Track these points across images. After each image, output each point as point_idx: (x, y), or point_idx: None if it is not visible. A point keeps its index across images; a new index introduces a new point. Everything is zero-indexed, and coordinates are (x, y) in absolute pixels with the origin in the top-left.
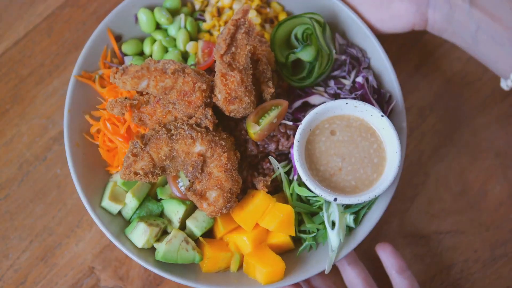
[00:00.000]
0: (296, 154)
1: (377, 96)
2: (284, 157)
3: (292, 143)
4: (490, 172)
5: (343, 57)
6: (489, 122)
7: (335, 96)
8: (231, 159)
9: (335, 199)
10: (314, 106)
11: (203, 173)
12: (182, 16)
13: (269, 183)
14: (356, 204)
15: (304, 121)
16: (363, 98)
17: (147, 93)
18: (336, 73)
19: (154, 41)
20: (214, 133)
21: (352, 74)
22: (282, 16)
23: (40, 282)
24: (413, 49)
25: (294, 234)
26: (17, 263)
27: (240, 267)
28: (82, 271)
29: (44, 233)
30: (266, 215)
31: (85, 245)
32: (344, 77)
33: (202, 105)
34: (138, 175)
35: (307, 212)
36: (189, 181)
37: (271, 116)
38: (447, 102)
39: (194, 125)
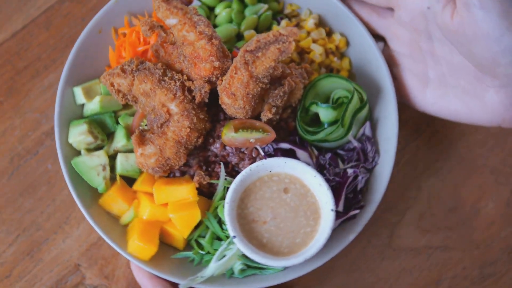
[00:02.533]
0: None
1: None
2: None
3: None
4: (483, 189)
5: (355, 144)
6: (485, 138)
7: (319, 167)
8: (190, 138)
9: (234, 237)
10: (297, 158)
11: (159, 128)
12: (265, 6)
13: (204, 183)
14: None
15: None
16: (336, 188)
17: (172, 34)
18: (340, 151)
19: (228, 6)
20: (196, 107)
21: (349, 164)
22: (342, 47)
23: (25, 277)
24: None
25: (185, 237)
26: (3, 256)
27: (127, 225)
28: (67, 268)
29: (32, 228)
30: (178, 204)
31: (72, 242)
32: (342, 160)
33: (206, 78)
34: (112, 88)
35: (214, 232)
36: (146, 126)
37: (252, 135)
38: None
39: (186, 88)
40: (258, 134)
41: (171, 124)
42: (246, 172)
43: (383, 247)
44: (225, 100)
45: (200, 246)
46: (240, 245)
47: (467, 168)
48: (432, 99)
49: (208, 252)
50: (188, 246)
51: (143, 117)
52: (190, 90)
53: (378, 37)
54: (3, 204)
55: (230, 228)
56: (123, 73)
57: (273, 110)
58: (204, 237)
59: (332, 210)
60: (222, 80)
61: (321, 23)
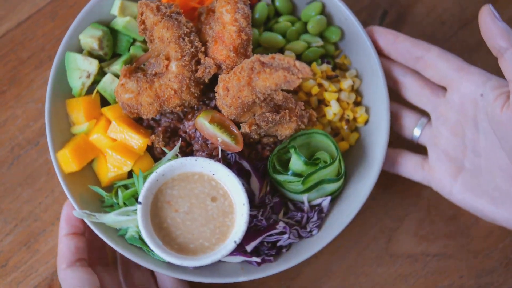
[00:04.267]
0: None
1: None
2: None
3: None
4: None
5: (304, 208)
6: None
7: (260, 203)
8: (169, 101)
9: (139, 203)
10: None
11: (152, 75)
12: (320, 42)
13: (157, 145)
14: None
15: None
16: (257, 230)
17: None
18: (290, 204)
19: (291, 22)
20: (193, 80)
21: (286, 220)
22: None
23: (21, 267)
24: None
25: (107, 178)
26: (0, 245)
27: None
28: None
29: (30, 218)
30: (121, 145)
31: None
32: (285, 212)
33: (217, 61)
34: (140, 17)
35: (136, 191)
36: (146, 66)
37: (221, 135)
38: None
39: (196, 58)
40: (227, 138)
41: (162, 78)
42: (192, 159)
43: (380, 253)
44: (219, 90)
45: (117, 195)
46: (139, 214)
47: None
48: (461, 189)
49: (118, 204)
50: (110, 188)
51: (149, 57)
52: (198, 62)
53: (422, 112)
54: (2, 194)
55: (142, 194)
56: (157, 10)
57: (253, 127)
58: (127, 189)
59: (235, 241)
60: (227, 72)
61: (358, 91)
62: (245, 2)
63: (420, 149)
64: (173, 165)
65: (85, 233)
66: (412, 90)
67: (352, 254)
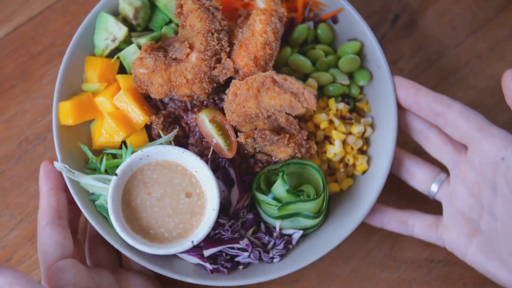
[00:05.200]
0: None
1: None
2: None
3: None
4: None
5: (274, 234)
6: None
7: (234, 214)
8: (179, 89)
9: (116, 174)
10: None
11: (171, 58)
12: (346, 81)
13: (154, 127)
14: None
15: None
16: (220, 240)
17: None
18: (263, 225)
19: (326, 52)
20: (208, 76)
21: (252, 239)
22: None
23: (25, 261)
24: (427, 72)
25: (96, 141)
26: (4, 240)
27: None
28: None
29: (35, 213)
30: (121, 115)
31: None
32: (254, 231)
33: (236, 65)
34: (179, 1)
35: (121, 161)
36: (169, 49)
37: (217, 137)
38: None
39: (217, 56)
40: (221, 142)
41: (180, 65)
42: (180, 150)
43: (384, 258)
44: (228, 93)
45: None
46: (112, 184)
47: None
48: (476, 251)
49: (100, 170)
50: (99, 153)
51: (174, 42)
52: (218, 61)
53: (442, 167)
54: (9, 188)
55: (122, 167)
56: (198, 0)
57: (249, 140)
58: (114, 159)
59: (192, 242)
60: (242, 79)
61: (367, 139)
62: (281, 18)
63: (420, 198)
64: (160, 150)
65: (64, 190)
66: (435, 145)
67: (356, 258)
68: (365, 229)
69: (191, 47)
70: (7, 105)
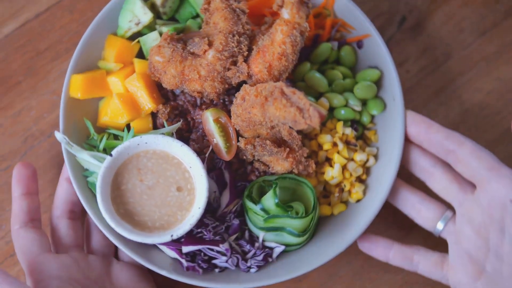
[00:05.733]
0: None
1: None
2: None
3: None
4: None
5: (257, 244)
6: (502, 158)
7: (221, 217)
8: (190, 83)
9: (111, 155)
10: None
11: (188, 52)
12: (359, 108)
13: (159, 115)
14: None
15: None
16: (200, 239)
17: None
18: (248, 232)
19: (345, 75)
20: (221, 76)
21: (233, 246)
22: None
23: None
24: (434, 73)
25: (100, 119)
26: (9, 235)
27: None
28: None
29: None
30: (130, 99)
31: None
32: (238, 238)
33: (249, 71)
34: None
35: (121, 142)
36: (189, 42)
37: (218, 138)
38: (462, 132)
39: (233, 59)
40: (221, 143)
41: (195, 60)
42: (179, 143)
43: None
44: (238, 96)
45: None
46: (105, 164)
47: None
48: None
49: (99, 148)
50: (103, 131)
51: (194, 35)
52: (234, 63)
53: (447, 205)
54: None
55: (118, 149)
56: (226, 0)
57: (249, 146)
58: (116, 140)
59: (172, 236)
60: (254, 85)
61: (368, 169)
62: (302, 32)
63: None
64: (159, 139)
65: (37, 193)
66: (440, 183)
67: (359, 259)
68: (368, 230)
69: (210, 44)
70: (13, 101)
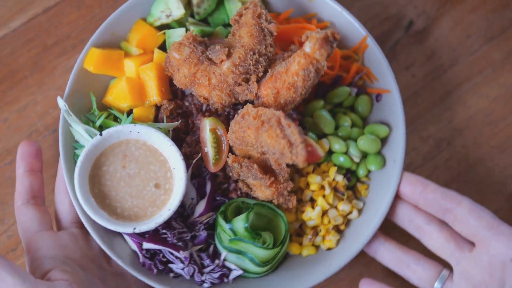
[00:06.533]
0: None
1: None
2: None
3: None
4: (497, 216)
5: (217, 261)
6: (506, 165)
7: (191, 226)
8: (198, 88)
9: (101, 134)
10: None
11: (205, 57)
12: (357, 158)
13: (163, 109)
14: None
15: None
16: (161, 239)
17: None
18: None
19: (354, 124)
20: (230, 89)
21: (194, 257)
22: None
23: None
24: (440, 78)
25: (105, 97)
26: (11, 229)
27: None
28: None
29: None
30: (137, 84)
31: None
32: (203, 249)
33: (257, 92)
34: (240, 8)
35: (119, 120)
36: (210, 48)
37: (209, 148)
38: (466, 138)
39: (246, 75)
40: (211, 154)
41: (210, 67)
42: (169, 142)
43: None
44: (239, 114)
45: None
46: (92, 142)
47: (483, 194)
48: None
49: (95, 124)
50: (105, 108)
51: (219, 44)
52: (246, 80)
53: (444, 263)
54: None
55: (110, 131)
56: (257, 17)
57: (236, 165)
58: (115, 121)
59: (134, 228)
60: (257, 107)
61: (349, 221)
62: (318, 70)
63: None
64: (152, 133)
65: (41, 171)
66: (436, 241)
67: (360, 264)
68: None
69: (229, 55)
70: (18, 96)
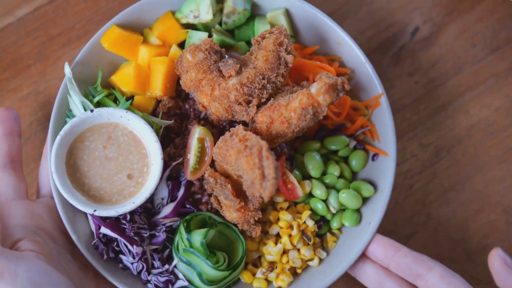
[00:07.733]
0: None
1: None
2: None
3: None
4: (493, 227)
5: (167, 267)
6: (504, 176)
7: (153, 225)
8: (200, 96)
9: (95, 211)
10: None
11: (214, 69)
12: (348, 194)
13: (161, 105)
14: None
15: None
16: (121, 230)
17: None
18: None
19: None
20: (230, 106)
21: (148, 253)
22: None
23: None
24: (443, 86)
25: (110, 78)
26: None
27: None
28: None
29: None
30: (143, 73)
31: None
32: (159, 249)
33: (254, 117)
34: (266, 31)
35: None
36: (224, 59)
37: (191, 156)
38: (467, 147)
39: (251, 97)
40: (193, 162)
41: (216, 79)
42: (154, 138)
43: None
44: (230, 132)
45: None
46: (81, 116)
47: (480, 203)
48: None
49: (93, 99)
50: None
51: (234, 59)
52: (248, 102)
53: None
54: None
55: (101, 110)
56: (278, 45)
57: (211, 180)
58: (114, 102)
59: (94, 211)
60: (249, 130)
61: (306, 267)
62: (317, 113)
63: None
64: (140, 124)
65: (19, 136)
66: None
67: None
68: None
69: (239, 72)
70: (21, 84)
